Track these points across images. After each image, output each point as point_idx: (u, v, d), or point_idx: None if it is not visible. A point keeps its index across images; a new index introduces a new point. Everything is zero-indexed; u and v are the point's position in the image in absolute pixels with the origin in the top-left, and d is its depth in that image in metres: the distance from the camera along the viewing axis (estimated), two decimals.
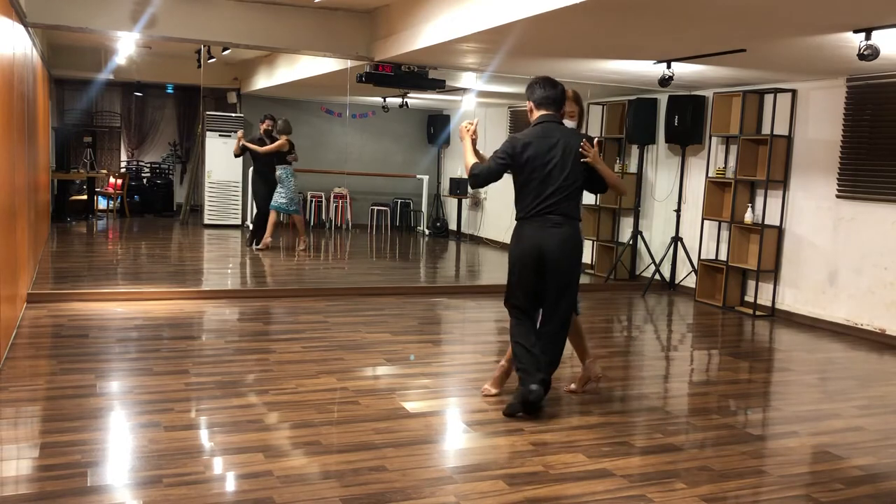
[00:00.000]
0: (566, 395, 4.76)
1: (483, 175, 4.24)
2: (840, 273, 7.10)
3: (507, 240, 13.18)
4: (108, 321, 6.10)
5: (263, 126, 10.15)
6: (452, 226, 13.63)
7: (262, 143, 10.02)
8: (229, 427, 3.85)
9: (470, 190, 12.86)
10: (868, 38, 4.93)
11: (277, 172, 10.00)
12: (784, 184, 7.59)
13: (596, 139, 4.53)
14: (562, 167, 4.16)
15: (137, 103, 14.72)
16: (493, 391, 4.52)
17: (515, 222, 4.32)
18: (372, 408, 4.23)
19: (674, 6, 4.68)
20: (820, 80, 7.23)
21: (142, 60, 11.40)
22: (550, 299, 4.21)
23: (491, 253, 11.48)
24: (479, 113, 12.62)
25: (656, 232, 9.21)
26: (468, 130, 4.43)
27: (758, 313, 7.69)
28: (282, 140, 9.88)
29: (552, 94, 4.29)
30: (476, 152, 4.41)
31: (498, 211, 12.24)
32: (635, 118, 8.93)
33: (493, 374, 4.61)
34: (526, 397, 4.10)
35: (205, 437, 3.74)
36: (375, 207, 13.97)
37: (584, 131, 4.73)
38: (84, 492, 3.04)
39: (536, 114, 4.30)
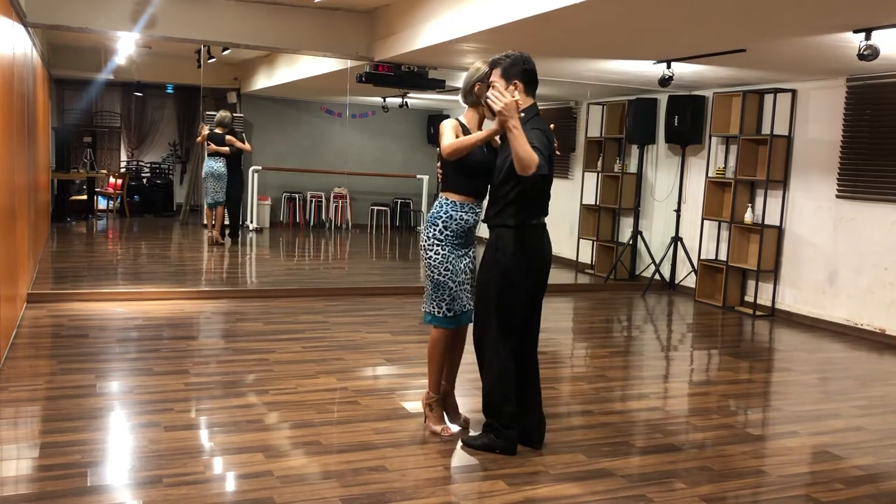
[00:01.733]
0: (566, 395, 4.76)
1: (548, 173, 3.42)
2: (840, 273, 7.10)
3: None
4: (108, 321, 6.10)
5: None
6: None
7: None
8: (229, 427, 3.85)
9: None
10: (868, 38, 4.93)
11: None
12: (784, 184, 7.59)
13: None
14: None
15: (137, 103, 14.72)
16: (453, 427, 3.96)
17: (508, 227, 3.56)
18: (372, 408, 4.22)
19: (674, 6, 4.68)
20: (820, 80, 7.23)
21: (142, 60, 11.41)
22: (536, 313, 3.75)
23: None
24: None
25: (656, 232, 9.20)
26: (518, 102, 3.38)
27: (758, 313, 7.69)
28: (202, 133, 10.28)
29: (537, 78, 3.65)
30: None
31: None
32: (635, 118, 8.93)
33: (434, 410, 3.96)
34: (513, 447, 3.64)
35: (205, 437, 3.74)
36: (375, 207, 13.97)
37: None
38: (84, 492, 3.04)
39: (528, 101, 3.56)
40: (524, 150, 3.27)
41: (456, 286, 3.74)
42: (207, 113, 12.66)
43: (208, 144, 10.10)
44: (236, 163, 10.52)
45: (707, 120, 8.39)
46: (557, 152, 3.72)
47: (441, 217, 3.72)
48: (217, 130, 10.18)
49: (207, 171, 10.18)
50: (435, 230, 3.72)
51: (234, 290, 7.60)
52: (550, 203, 3.70)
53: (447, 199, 3.74)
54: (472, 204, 3.73)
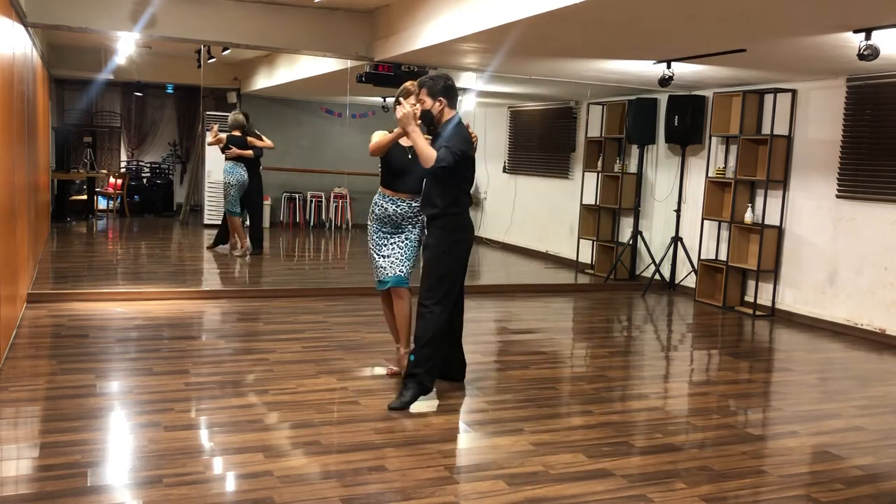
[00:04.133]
0: (566, 395, 4.76)
1: (452, 166, 4.14)
2: (840, 273, 7.10)
3: (507, 240, 12.95)
4: (108, 321, 6.10)
5: None
6: None
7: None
8: (229, 427, 3.85)
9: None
10: (868, 38, 4.93)
11: None
12: (784, 184, 7.59)
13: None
14: None
15: (137, 103, 14.72)
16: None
17: (450, 215, 4.33)
18: (372, 408, 4.23)
19: (674, 6, 4.68)
20: (820, 80, 7.23)
21: (142, 60, 11.40)
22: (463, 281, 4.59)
23: (491, 253, 11.47)
24: (478, 113, 12.61)
25: (656, 232, 9.20)
26: (415, 115, 4.21)
27: (758, 313, 7.69)
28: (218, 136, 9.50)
29: (457, 94, 4.43)
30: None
31: (498, 211, 12.24)
32: (635, 118, 8.93)
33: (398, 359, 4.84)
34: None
35: (205, 437, 3.74)
36: None
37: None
38: (84, 492, 3.04)
39: (451, 113, 4.34)
40: (421, 148, 4.13)
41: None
42: (208, 113, 12.67)
43: (229, 148, 9.35)
44: (257, 165, 9.76)
45: (707, 120, 8.39)
46: (475, 142, 4.47)
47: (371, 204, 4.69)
48: (235, 133, 9.45)
49: (237, 179, 9.33)
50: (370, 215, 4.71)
51: (234, 290, 7.60)
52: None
53: (378, 192, 4.67)
54: (393, 197, 4.58)
